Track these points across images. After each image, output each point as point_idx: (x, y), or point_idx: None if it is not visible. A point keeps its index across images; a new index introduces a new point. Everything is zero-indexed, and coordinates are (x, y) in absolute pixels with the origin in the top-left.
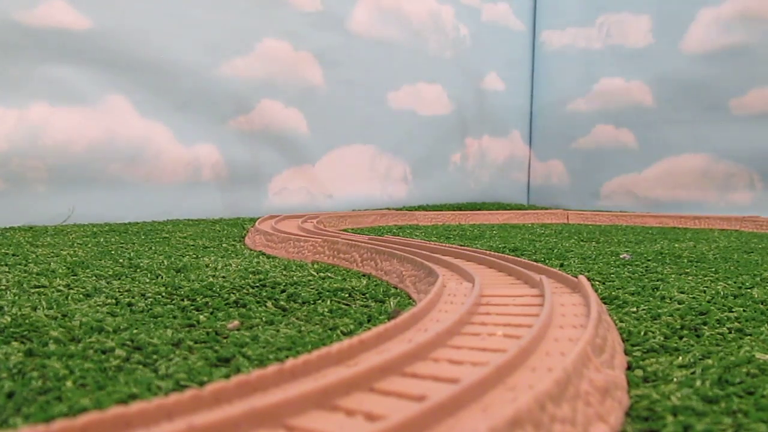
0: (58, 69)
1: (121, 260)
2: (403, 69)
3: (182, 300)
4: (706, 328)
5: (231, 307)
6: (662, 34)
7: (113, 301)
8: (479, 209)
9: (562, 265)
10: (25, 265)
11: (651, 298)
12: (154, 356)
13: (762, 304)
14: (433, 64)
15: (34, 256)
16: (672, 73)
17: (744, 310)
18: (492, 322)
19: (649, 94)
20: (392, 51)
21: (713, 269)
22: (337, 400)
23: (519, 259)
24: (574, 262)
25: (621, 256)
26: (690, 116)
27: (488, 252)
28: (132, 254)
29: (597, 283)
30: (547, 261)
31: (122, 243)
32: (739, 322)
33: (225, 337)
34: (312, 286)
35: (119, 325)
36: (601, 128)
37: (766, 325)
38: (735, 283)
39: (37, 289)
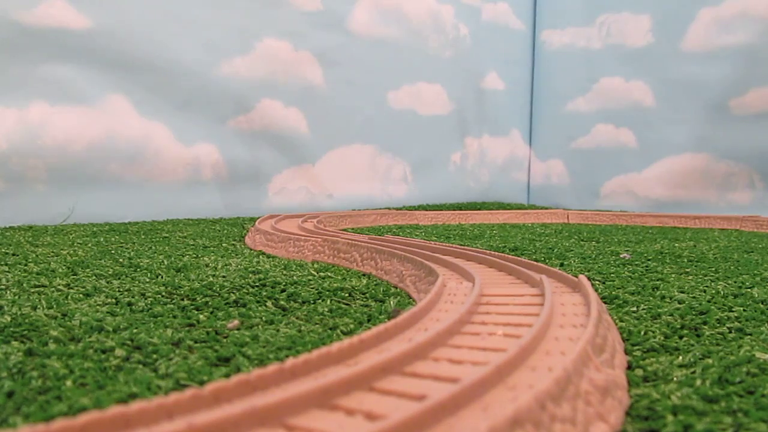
0: (58, 68)
1: (121, 260)
2: (403, 69)
3: (182, 299)
4: (706, 327)
5: (231, 307)
6: (662, 34)
7: (113, 300)
8: (479, 209)
9: (562, 265)
10: (25, 265)
11: (651, 298)
12: (154, 356)
13: (762, 303)
14: (433, 64)
15: (34, 255)
16: (672, 73)
17: (744, 310)
18: (492, 321)
19: (649, 93)
20: (392, 51)
21: (713, 269)
22: (337, 399)
23: (519, 258)
24: (574, 261)
25: (621, 256)
26: (690, 116)
27: (488, 251)
28: (132, 254)
29: (597, 282)
30: (547, 260)
31: (122, 242)
32: (739, 322)
33: (225, 337)
34: (312, 286)
35: (119, 325)
36: (601, 128)
37: (766, 324)
38: (735, 282)
39: (37, 289)
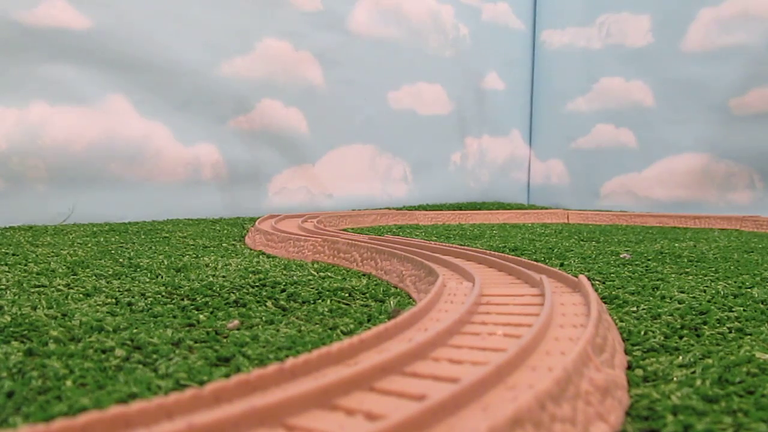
0: (58, 68)
1: (120, 260)
2: (403, 69)
3: (182, 299)
4: (706, 327)
5: (231, 307)
6: (662, 34)
7: (113, 300)
8: (479, 209)
9: (562, 265)
10: (25, 265)
11: (651, 298)
12: (154, 356)
13: (762, 303)
14: (433, 64)
15: (34, 255)
16: (672, 73)
17: (744, 310)
18: (492, 321)
19: (649, 93)
20: (392, 51)
21: (713, 269)
22: (337, 399)
23: (519, 258)
24: (574, 261)
25: (621, 256)
26: (690, 116)
27: (488, 251)
28: (132, 254)
29: (597, 282)
30: (547, 260)
31: (122, 242)
32: (739, 322)
33: (225, 337)
34: (312, 286)
35: (119, 325)
36: (601, 128)
37: (766, 324)
38: (735, 282)
39: (37, 289)
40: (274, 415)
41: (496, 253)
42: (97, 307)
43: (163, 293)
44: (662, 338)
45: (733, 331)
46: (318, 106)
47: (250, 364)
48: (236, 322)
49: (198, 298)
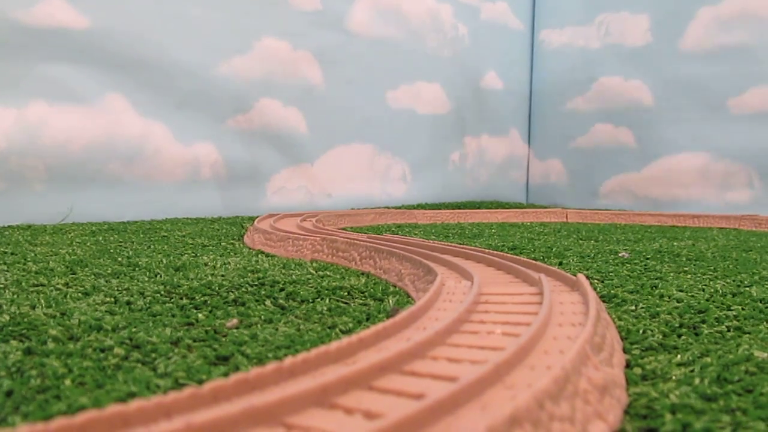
0: (57, 68)
1: (119, 259)
2: (401, 68)
3: (181, 298)
4: (704, 326)
5: (230, 306)
6: (661, 33)
7: (112, 299)
8: (478, 208)
9: (560, 264)
10: (24, 264)
11: (650, 297)
12: (153, 355)
13: (760, 302)
14: (432, 63)
15: (32, 254)
16: (671, 73)
17: (742, 309)
18: (491, 320)
19: (648, 93)
20: (391, 50)
21: (712, 267)
22: (335, 398)
23: (518, 257)
24: (573, 260)
25: (620, 255)
26: (689, 115)
27: (487, 250)
28: (131, 253)
29: (596, 281)
30: (546, 259)
31: (121, 242)
32: (738, 321)
33: (224, 336)
34: (311, 285)
35: (118, 324)
36: (599, 127)
37: (764, 323)
38: (734, 281)
39: (35, 288)
40: (273, 414)
41: (495, 252)
42: (96, 306)
43: (162, 292)
44: (661, 337)
45: (731, 329)
46: (317, 105)
47: (249, 363)
48: (235, 321)
49: (197, 297)
